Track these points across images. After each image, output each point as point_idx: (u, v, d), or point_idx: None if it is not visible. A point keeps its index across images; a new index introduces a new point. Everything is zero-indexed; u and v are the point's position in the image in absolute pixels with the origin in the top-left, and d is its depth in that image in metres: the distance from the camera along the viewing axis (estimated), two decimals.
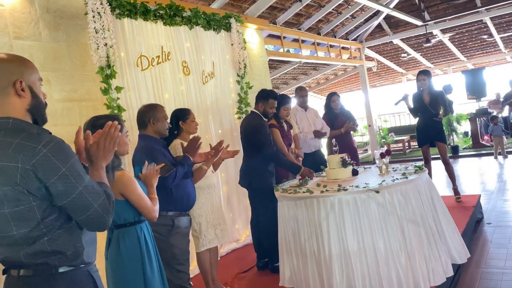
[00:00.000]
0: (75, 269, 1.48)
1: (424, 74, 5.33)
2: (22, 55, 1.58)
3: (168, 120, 3.06)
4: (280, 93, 4.33)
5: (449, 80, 12.19)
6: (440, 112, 5.19)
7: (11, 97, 1.42)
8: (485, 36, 11.17)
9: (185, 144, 3.16)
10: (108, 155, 1.56)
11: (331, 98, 5.58)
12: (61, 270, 1.45)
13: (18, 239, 1.40)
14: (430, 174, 5.25)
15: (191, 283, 2.97)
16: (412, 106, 5.46)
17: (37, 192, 1.37)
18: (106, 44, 3.45)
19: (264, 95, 3.96)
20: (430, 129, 5.34)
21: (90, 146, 1.55)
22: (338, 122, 5.45)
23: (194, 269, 3.99)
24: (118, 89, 3.63)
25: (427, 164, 5.42)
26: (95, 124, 2.12)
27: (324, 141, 5.40)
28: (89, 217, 1.45)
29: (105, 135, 1.54)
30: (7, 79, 1.42)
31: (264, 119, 3.96)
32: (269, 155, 3.76)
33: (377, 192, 2.88)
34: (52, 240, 1.42)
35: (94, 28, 3.42)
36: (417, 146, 11.93)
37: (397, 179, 3.09)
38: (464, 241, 3.41)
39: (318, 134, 5.05)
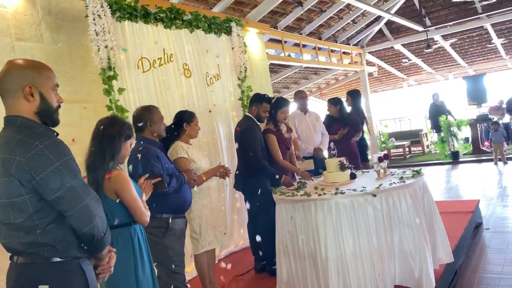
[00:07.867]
0: (66, 260, 1.55)
1: None
2: (23, 57, 1.65)
3: (166, 122, 3.07)
4: (278, 96, 4.33)
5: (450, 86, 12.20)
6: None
7: (20, 99, 1.56)
8: (486, 42, 11.19)
9: (185, 147, 3.22)
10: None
11: (329, 103, 5.61)
12: (53, 260, 1.53)
13: (15, 227, 1.50)
14: None
15: (188, 285, 2.97)
16: None
17: (28, 184, 1.46)
18: (106, 46, 3.47)
19: (258, 99, 3.99)
20: None
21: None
22: (335, 127, 5.43)
23: (191, 271, 3.99)
24: (120, 90, 3.62)
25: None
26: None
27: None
28: (76, 213, 1.51)
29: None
30: (18, 84, 1.55)
31: (258, 123, 3.97)
32: (252, 160, 3.74)
33: (374, 195, 2.89)
34: (44, 233, 1.51)
35: (95, 30, 3.43)
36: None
37: (394, 183, 3.10)
38: (462, 246, 3.41)
39: (317, 152, 5.01)
